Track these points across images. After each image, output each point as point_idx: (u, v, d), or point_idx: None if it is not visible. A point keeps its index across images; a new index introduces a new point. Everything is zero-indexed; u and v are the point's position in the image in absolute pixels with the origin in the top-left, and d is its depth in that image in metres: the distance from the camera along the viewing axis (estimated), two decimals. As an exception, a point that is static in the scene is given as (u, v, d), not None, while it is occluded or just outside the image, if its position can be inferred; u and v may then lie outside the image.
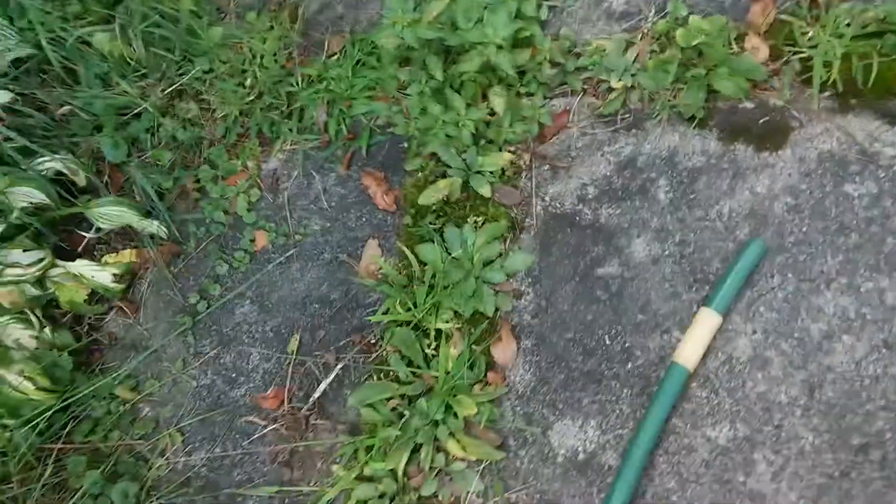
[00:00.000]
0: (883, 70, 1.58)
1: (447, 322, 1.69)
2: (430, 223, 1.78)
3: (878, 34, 1.60)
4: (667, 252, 1.65)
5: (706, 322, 1.53)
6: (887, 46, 1.59)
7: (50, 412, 1.79)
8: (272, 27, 2.03)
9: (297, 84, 1.99)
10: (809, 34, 1.64)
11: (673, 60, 1.67)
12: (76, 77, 2.05)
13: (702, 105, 1.68)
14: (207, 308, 1.93)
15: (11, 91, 1.99)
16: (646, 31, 1.78)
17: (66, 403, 1.84)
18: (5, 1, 2.05)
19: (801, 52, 1.65)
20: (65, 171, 1.96)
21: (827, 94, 1.65)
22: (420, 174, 1.84)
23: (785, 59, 1.68)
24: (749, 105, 1.70)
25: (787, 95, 1.67)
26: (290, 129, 1.99)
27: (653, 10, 1.81)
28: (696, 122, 1.71)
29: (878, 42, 1.59)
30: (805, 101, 1.66)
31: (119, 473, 1.80)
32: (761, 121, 1.68)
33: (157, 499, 1.77)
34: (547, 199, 1.78)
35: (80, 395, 1.86)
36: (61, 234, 2.02)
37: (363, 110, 1.93)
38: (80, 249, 2.02)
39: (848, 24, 1.59)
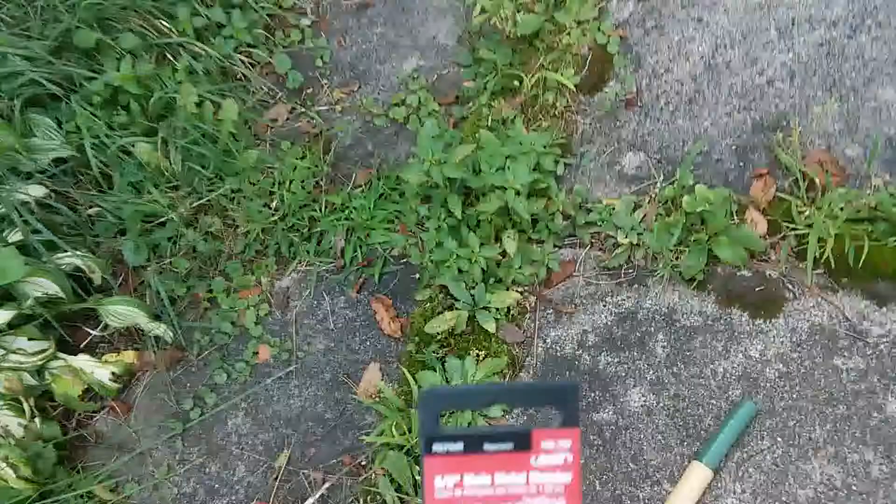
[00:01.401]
0: (873, 253, 1.68)
1: (440, 452, 1.69)
2: (434, 352, 1.83)
3: (869, 220, 1.71)
4: (661, 404, 1.69)
5: (697, 476, 1.55)
6: (878, 232, 1.70)
7: (27, 503, 1.75)
8: (304, 156, 2.16)
9: (321, 210, 2.09)
10: (806, 213, 1.76)
11: (677, 224, 1.79)
12: (111, 182, 2.15)
13: (702, 268, 1.78)
14: (201, 415, 1.93)
15: (46, 187, 2.09)
16: (654, 194, 1.90)
17: (43, 496, 1.81)
18: (57, 104, 2.19)
19: (797, 229, 1.76)
20: (83, 267, 2.02)
21: (820, 270, 1.75)
22: (428, 304, 1.91)
23: (782, 234, 1.79)
24: (746, 273, 1.80)
25: (783, 268, 1.77)
26: (308, 251, 2.07)
27: (662, 176, 1.93)
28: (695, 283, 1.80)
29: (870, 227, 1.71)
30: (799, 274, 1.76)
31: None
32: (757, 289, 1.77)
33: None
34: (548, 341, 1.84)
35: (59, 489, 1.83)
36: (67, 328, 2.05)
37: (381, 240, 2.02)
38: (82, 345, 2.05)
39: (842, 208, 1.71)
